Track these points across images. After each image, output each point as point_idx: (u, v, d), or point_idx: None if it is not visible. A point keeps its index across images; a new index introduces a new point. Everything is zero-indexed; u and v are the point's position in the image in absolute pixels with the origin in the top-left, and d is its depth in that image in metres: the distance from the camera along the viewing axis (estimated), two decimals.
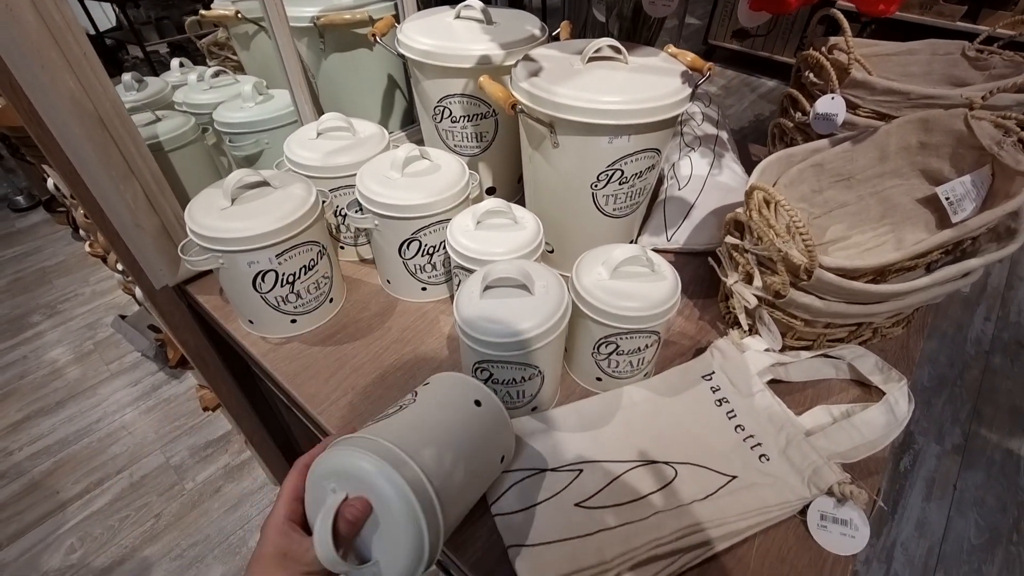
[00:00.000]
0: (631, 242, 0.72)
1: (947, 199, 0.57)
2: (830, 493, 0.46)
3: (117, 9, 1.85)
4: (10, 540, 1.29)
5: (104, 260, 1.57)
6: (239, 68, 1.04)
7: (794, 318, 0.55)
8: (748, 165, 0.87)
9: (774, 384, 0.57)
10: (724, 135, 0.89)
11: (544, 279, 0.49)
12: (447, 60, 0.65)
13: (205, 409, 1.37)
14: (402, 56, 0.69)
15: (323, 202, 0.62)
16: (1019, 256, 2.09)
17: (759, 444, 0.51)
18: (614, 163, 0.58)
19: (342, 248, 0.74)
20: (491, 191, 0.82)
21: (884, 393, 0.54)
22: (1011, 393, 1.59)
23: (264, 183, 0.58)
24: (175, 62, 0.97)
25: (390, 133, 0.92)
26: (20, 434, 1.52)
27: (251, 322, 0.63)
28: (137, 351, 1.68)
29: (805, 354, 0.57)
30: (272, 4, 0.64)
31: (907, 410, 0.51)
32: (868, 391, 0.58)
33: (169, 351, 1.51)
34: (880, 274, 0.54)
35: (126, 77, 0.88)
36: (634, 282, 0.51)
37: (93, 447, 1.49)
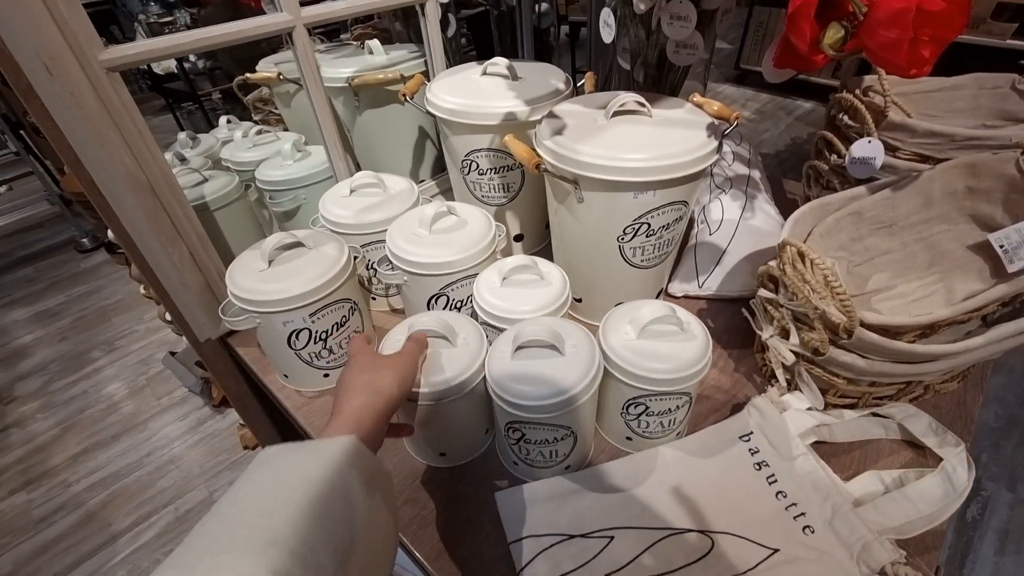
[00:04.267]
0: (660, 291, 0.71)
1: (1001, 247, 0.53)
2: (882, 573, 0.43)
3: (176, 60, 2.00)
4: (67, 570, 1.35)
5: (157, 302, 1.66)
6: (281, 122, 1.10)
7: (835, 376, 0.52)
8: (783, 204, 0.85)
9: (817, 445, 0.54)
10: (756, 174, 0.88)
11: (574, 338, 0.48)
12: (474, 118, 0.67)
13: (245, 448, 1.41)
14: (431, 114, 0.71)
15: (355, 258, 0.64)
16: None
17: (803, 514, 0.48)
18: (640, 216, 0.57)
19: (373, 299, 0.76)
20: (519, 238, 0.83)
21: (939, 458, 0.50)
22: None
23: (299, 244, 0.60)
24: (223, 119, 1.03)
25: (420, 182, 0.95)
26: (79, 466, 1.60)
27: (286, 376, 0.65)
28: (185, 387, 1.75)
29: (849, 413, 0.54)
30: (308, 67, 0.67)
31: (967, 480, 0.47)
32: (922, 453, 0.54)
33: (214, 390, 1.58)
34: (930, 328, 0.51)
35: (181, 136, 0.95)
36: (663, 342, 0.50)
37: (143, 480, 1.55)
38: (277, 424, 0.97)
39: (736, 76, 3.48)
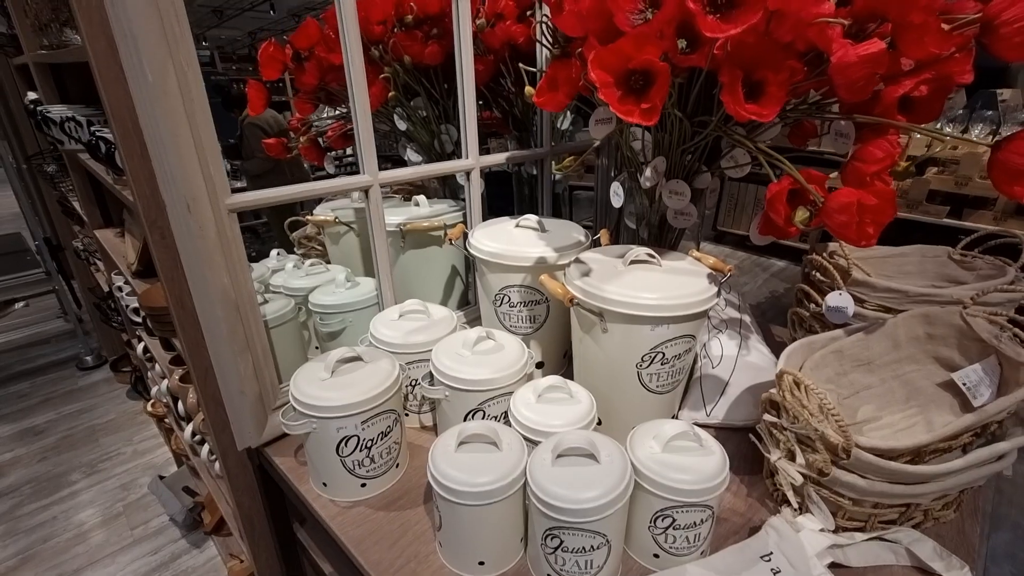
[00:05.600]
0: (673, 416, 0.77)
1: (964, 384, 0.63)
2: None
3: None
4: None
5: (160, 420, 1.65)
6: (322, 256, 1.25)
7: (841, 496, 0.58)
8: (772, 345, 0.96)
9: (834, 568, 0.57)
10: (747, 318, 1.00)
11: (608, 449, 0.54)
12: (510, 260, 0.80)
13: None
14: (471, 255, 0.85)
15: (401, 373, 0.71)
16: None
17: None
18: (656, 347, 0.67)
19: (407, 415, 0.81)
20: (540, 365, 0.91)
21: None
22: None
23: (358, 358, 0.68)
24: (273, 252, 1.17)
25: None
26: None
27: (324, 484, 0.67)
28: (167, 515, 1.66)
29: (860, 536, 0.58)
30: (376, 216, 0.82)
31: None
32: None
33: (207, 515, 1.50)
34: (917, 455, 0.58)
35: None
36: (685, 456, 0.56)
37: None
38: (283, 547, 0.94)
39: (714, 236, 3.89)
